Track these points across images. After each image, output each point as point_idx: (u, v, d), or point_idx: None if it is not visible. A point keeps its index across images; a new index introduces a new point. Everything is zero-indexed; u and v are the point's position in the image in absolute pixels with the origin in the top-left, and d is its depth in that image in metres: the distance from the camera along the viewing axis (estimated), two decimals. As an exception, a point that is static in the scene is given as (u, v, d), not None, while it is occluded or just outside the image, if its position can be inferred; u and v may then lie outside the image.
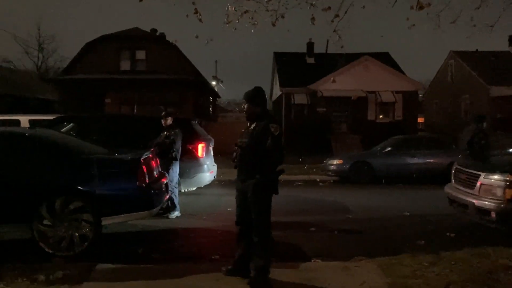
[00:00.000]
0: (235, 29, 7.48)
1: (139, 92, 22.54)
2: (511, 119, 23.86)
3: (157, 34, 25.69)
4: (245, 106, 4.49)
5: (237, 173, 4.51)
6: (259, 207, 4.27)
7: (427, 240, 6.03)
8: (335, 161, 13.41)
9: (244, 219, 4.42)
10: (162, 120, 7.84)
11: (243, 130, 4.50)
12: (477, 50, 28.90)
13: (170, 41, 24.05)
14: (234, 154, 4.46)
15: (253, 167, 4.27)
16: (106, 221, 5.51)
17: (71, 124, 9.25)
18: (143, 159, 5.87)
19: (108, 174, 5.67)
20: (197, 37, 7.56)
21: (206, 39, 7.87)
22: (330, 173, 13.43)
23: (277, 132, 4.24)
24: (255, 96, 4.48)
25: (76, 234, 5.36)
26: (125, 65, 23.90)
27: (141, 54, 24.13)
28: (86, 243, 5.36)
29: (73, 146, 6.30)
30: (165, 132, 7.71)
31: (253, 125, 4.38)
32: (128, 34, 24.13)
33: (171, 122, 7.84)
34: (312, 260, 5.14)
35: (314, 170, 15.05)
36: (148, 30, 25.49)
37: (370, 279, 4.41)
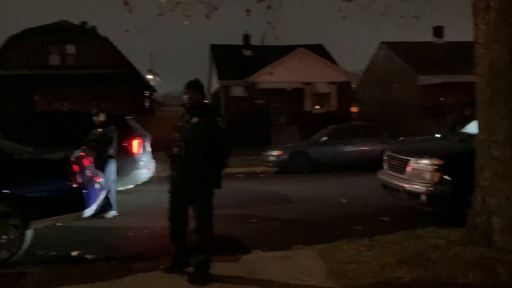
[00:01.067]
0: (168, 21, 7.29)
1: (70, 88, 21.56)
2: (437, 106, 25.26)
3: (87, 27, 24.63)
4: (187, 97, 4.27)
5: (177, 169, 4.35)
6: (203, 203, 4.22)
7: (363, 225, 6.25)
8: (275, 152, 13.57)
9: (181, 215, 4.36)
10: (94, 118, 7.52)
11: (180, 124, 4.31)
12: (405, 40, 30.26)
13: (101, 34, 23.30)
14: (175, 150, 4.27)
15: (200, 164, 4.15)
16: (36, 225, 5.20)
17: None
18: (74, 158, 5.59)
19: (36, 175, 5.37)
20: (127, 31, 7.27)
21: (138, 31, 7.60)
22: (270, 164, 13.58)
23: (225, 127, 4.19)
24: (200, 85, 4.34)
25: (3, 240, 5.03)
26: (54, 60, 22.74)
27: (71, 48, 23.06)
28: (14, 249, 5.04)
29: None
30: (99, 130, 7.41)
31: (195, 119, 4.20)
32: (56, 27, 22.93)
33: (104, 119, 7.54)
34: (253, 252, 5.16)
35: (255, 162, 15.14)
36: (78, 23, 24.38)
37: (309, 266, 4.49)
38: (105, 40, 22.61)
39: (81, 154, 6.07)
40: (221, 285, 4.10)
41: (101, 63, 22.14)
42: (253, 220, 6.86)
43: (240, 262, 4.74)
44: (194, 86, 4.31)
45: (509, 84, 4.27)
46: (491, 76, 4.39)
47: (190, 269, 4.30)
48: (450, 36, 30.69)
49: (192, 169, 4.20)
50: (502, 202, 4.29)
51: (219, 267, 4.46)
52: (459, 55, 27.83)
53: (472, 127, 7.13)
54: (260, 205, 8.20)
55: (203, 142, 4.13)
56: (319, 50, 28.07)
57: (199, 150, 4.14)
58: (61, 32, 22.71)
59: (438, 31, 30.73)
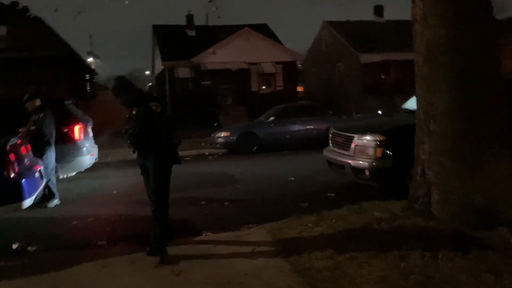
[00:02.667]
0: (108, 1, 6.99)
1: (3, 73, 20.28)
2: (379, 84, 26.03)
3: (19, 7, 23.10)
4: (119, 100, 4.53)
5: (137, 155, 4.57)
6: (156, 178, 4.42)
7: (310, 201, 6.37)
8: (223, 134, 13.51)
9: None
10: (27, 104, 7.10)
11: (127, 116, 4.50)
12: (347, 20, 30.80)
13: (35, 15, 21.97)
14: (128, 140, 4.46)
15: (150, 149, 4.41)
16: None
17: None
18: (9, 146, 5.29)
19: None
20: (56, 10, 6.86)
21: (75, 12, 7.22)
22: (218, 146, 13.52)
23: (160, 108, 4.36)
24: (121, 87, 4.49)
25: None
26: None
27: (1, 30, 21.62)
28: None
29: None
30: (34, 116, 7.02)
31: (134, 110, 4.42)
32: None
33: (39, 104, 7.14)
34: (204, 234, 5.13)
35: (203, 144, 15.01)
36: (8, 3, 22.83)
37: (260, 245, 4.54)
38: (40, 21, 21.35)
39: (18, 142, 5.76)
40: (172, 268, 4.06)
41: (36, 46, 20.93)
42: (202, 203, 6.81)
43: (191, 245, 4.71)
44: (118, 91, 4.51)
45: (446, 61, 4.44)
46: (428, 54, 4.53)
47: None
48: (390, 14, 31.50)
49: (144, 156, 4.49)
50: (441, 174, 4.50)
51: (169, 251, 4.41)
52: (399, 34, 28.70)
53: (412, 103, 7.41)
54: (209, 187, 8.15)
55: (145, 130, 4.36)
56: (264, 30, 28.01)
57: (144, 139, 4.38)
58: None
59: (378, 10, 31.47)
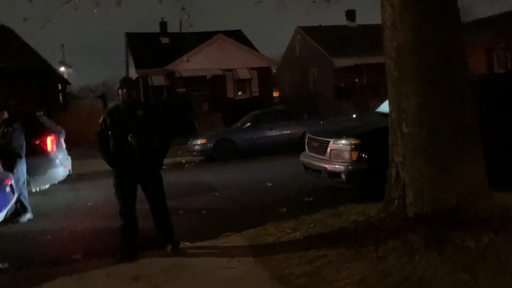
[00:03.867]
0: (76, 9, 6.87)
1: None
2: (352, 87, 26.39)
3: (-14, 17, 22.62)
4: (124, 92, 4.71)
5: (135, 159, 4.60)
6: (160, 177, 4.87)
7: (288, 207, 6.38)
8: (199, 141, 13.46)
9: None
10: None
11: (122, 118, 4.63)
12: (320, 25, 31.16)
13: (4, 24, 21.52)
14: (134, 144, 4.52)
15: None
16: None
17: None
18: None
19: None
20: (25, 20, 6.72)
21: (43, 21, 7.05)
22: (195, 153, 13.46)
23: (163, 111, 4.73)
24: (135, 82, 4.55)
25: None
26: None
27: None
28: None
29: None
30: (3, 129, 6.84)
31: (139, 111, 4.65)
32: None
33: (7, 116, 6.97)
34: (181, 244, 5.07)
35: (179, 152, 14.90)
36: (-26, 13, 22.30)
37: (238, 253, 4.51)
38: (8, 30, 20.92)
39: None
40: (149, 281, 3.99)
41: (5, 56, 20.45)
42: (179, 212, 6.73)
43: (168, 255, 4.64)
44: (133, 83, 4.92)
45: (414, 63, 4.51)
46: (398, 57, 4.61)
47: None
48: (362, 19, 32.06)
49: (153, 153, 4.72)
50: (414, 175, 4.56)
51: (147, 263, 4.35)
52: (370, 38, 29.18)
53: (386, 106, 7.52)
54: (186, 195, 8.08)
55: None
56: (238, 36, 28.09)
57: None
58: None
59: (350, 14, 31.97)
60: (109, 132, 4.65)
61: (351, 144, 6.14)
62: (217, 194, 8.05)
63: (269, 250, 4.46)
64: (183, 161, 13.31)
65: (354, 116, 9.75)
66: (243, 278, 3.91)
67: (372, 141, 6.09)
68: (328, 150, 6.50)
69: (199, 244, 5.00)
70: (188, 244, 5.06)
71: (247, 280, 3.86)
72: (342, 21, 31.98)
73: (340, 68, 27.14)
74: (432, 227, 4.15)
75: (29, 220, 6.84)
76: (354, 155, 6.11)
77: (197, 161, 13.33)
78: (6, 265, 4.87)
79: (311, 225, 5.04)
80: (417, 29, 4.46)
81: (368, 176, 6.03)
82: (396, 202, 4.79)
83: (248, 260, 4.30)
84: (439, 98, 4.48)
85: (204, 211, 6.74)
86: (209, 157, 13.12)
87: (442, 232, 4.05)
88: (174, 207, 6.95)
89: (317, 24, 31.15)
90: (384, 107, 6.89)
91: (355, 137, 6.20)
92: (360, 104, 20.82)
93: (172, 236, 4.84)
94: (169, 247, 4.73)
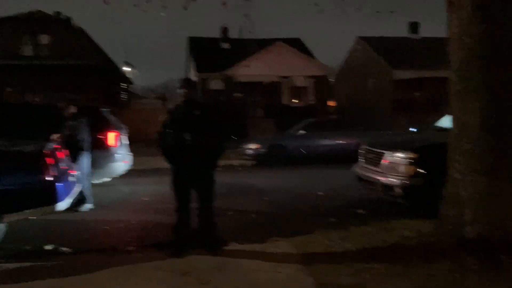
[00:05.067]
0: (145, 11, 7.19)
1: (43, 79, 21.06)
2: (411, 101, 25.67)
3: (62, 17, 24.07)
4: (184, 92, 4.90)
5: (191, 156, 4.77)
6: (213, 175, 5.05)
7: (338, 217, 6.31)
8: (252, 146, 13.60)
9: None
10: (64, 111, 7.37)
11: (181, 117, 4.81)
12: (381, 36, 30.59)
13: (76, 25, 22.85)
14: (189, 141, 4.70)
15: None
16: (8, 218, 5.10)
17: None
18: (47, 151, 5.48)
19: (8, 167, 5.25)
20: (102, 21, 7.11)
21: (114, 22, 7.45)
22: (247, 157, 13.60)
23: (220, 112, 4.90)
24: (195, 83, 5.12)
25: (-26, 235, 4.92)
26: (27, 50, 22.20)
27: (44, 39, 22.53)
28: (-15, 244, 4.94)
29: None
30: (69, 122, 7.27)
31: (198, 111, 4.82)
32: (30, 17, 22.33)
33: (75, 111, 7.40)
34: (229, 244, 5.16)
35: (232, 155, 15.11)
36: (52, 13, 23.78)
37: (285, 259, 4.53)
38: (80, 31, 22.20)
39: (56, 146, 5.97)
40: (197, 277, 4.11)
41: (75, 54, 21.72)
42: (229, 213, 6.85)
43: (216, 254, 4.74)
44: (193, 83, 5.16)
45: (480, 78, 4.38)
46: (463, 71, 4.48)
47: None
48: (425, 32, 31.12)
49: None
50: (474, 194, 4.41)
51: (196, 259, 4.47)
52: (433, 51, 28.19)
53: (445, 121, 7.29)
54: (236, 198, 8.20)
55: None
56: (297, 44, 28.15)
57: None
58: (34, 22, 22.16)
59: (413, 26, 31.15)
60: (169, 130, 4.86)
61: (408, 158, 5.99)
62: (267, 198, 8.11)
63: (316, 258, 4.45)
64: (235, 164, 13.48)
65: (411, 129, 9.51)
66: (288, 283, 3.94)
67: (430, 156, 5.93)
68: (384, 162, 6.39)
69: (247, 246, 5.07)
70: (236, 245, 5.15)
71: (292, 286, 3.87)
72: (404, 33, 31.22)
73: (399, 80, 26.48)
74: (489, 249, 4.00)
75: (90, 209, 7.22)
76: (410, 169, 5.96)
77: (249, 165, 13.46)
78: (66, 250, 5.18)
79: (361, 237, 4.99)
80: (485, 43, 4.33)
81: (423, 192, 5.86)
82: (451, 220, 4.64)
83: (294, 266, 4.32)
84: (506, 117, 4.31)
85: (254, 214, 6.81)
86: (261, 161, 13.21)
87: (499, 255, 3.88)
88: (224, 208, 7.11)
89: (378, 35, 30.61)
90: (444, 122, 6.70)
91: (413, 150, 6.05)
92: (418, 118, 20.20)
93: (212, 236, 4.94)
94: (207, 246, 4.83)
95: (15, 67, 20.66)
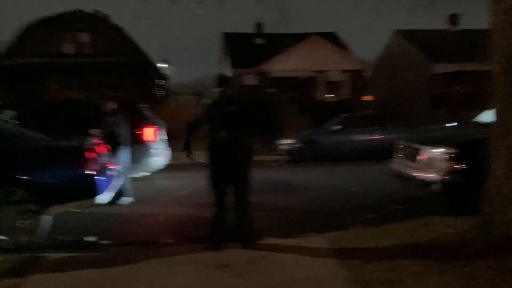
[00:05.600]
0: (180, 8, 7.29)
1: (84, 76, 21.71)
2: (449, 95, 24.94)
3: (101, 15, 24.71)
4: (220, 88, 5.05)
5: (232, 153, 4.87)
6: (249, 171, 5.09)
7: (375, 213, 6.25)
8: (286, 141, 13.59)
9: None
10: (104, 107, 7.59)
11: (216, 114, 4.89)
12: (419, 28, 29.83)
13: (114, 23, 23.42)
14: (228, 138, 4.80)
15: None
16: (52, 210, 5.34)
17: (11, 111, 8.79)
18: (89, 146, 5.69)
19: (52, 161, 5.49)
20: (136, 19, 7.26)
21: (152, 20, 7.60)
22: (281, 153, 13.61)
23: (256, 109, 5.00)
24: (230, 80, 5.19)
25: (21, 225, 5.15)
26: (68, 48, 22.89)
27: (84, 37, 23.18)
28: (31, 234, 5.17)
29: (13, 134, 6.02)
30: (109, 118, 7.49)
31: (233, 108, 4.87)
32: (71, 16, 23.05)
33: (115, 107, 7.61)
34: (264, 239, 5.19)
35: (265, 150, 15.16)
36: (91, 12, 24.44)
37: (321, 253, 4.53)
38: (118, 28, 22.72)
39: (96, 141, 6.17)
40: (233, 270, 4.17)
41: (114, 52, 22.25)
42: (264, 208, 6.89)
43: (252, 248, 4.79)
44: (225, 80, 5.19)
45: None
46: (507, 64, 4.34)
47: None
48: (466, 24, 30.11)
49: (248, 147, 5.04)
50: (516, 191, 4.27)
51: (232, 253, 4.53)
52: (474, 43, 27.26)
53: (487, 116, 7.07)
54: (270, 193, 8.23)
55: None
56: (331, 38, 27.83)
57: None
58: (75, 20, 22.83)
59: (453, 18, 30.20)
60: (201, 125, 5.06)
61: (447, 153, 5.85)
62: (302, 194, 8.12)
63: (352, 254, 4.43)
64: (269, 160, 13.52)
65: (450, 125, 9.27)
66: (324, 278, 3.93)
67: (471, 151, 5.77)
68: (421, 158, 6.26)
69: (282, 240, 5.09)
70: (272, 239, 5.18)
71: (328, 281, 3.87)
72: (443, 25, 30.32)
73: (438, 74, 25.78)
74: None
75: (129, 203, 7.42)
76: (449, 165, 5.81)
77: (283, 160, 13.46)
78: (106, 241, 5.37)
79: (398, 234, 4.92)
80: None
81: (462, 188, 5.71)
82: (493, 218, 4.52)
83: (330, 261, 4.31)
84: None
85: (288, 210, 6.84)
86: (295, 157, 13.18)
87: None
88: (259, 203, 7.14)
89: (417, 28, 29.86)
90: (485, 117, 6.50)
91: (452, 146, 5.91)
92: (458, 113, 19.62)
93: (247, 231, 4.98)
94: (242, 240, 4.88)
95: (57, 65, 21.37)
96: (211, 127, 4.93)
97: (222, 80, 5.17)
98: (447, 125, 9.92)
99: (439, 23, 30.27)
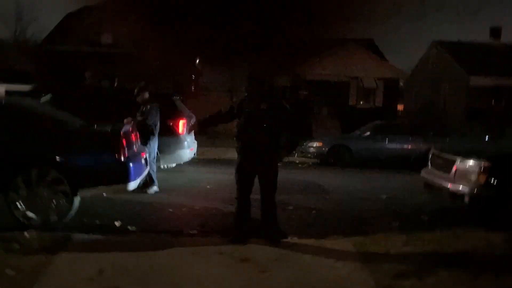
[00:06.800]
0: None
1: (120, 66, 22.13)
2: (487, 109, 24.31)
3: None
4: (251, 86, 5.10)
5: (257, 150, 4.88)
6: (276, 170, 5.09)
7: (401, 222, 6.14)
8: (315, 144, 13.50)
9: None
10: (137, 96, 7.72)
11: (248, 110, 4.91)
12: (459, 40, 29.19)
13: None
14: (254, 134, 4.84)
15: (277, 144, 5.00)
16: (83, 193, 5.46)
17: (49, 94, 9.06)
18: (122, 132, 5.80)
19: (86, 146, 5.63)
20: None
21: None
22: (309, 155, 13.54)
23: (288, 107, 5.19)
24: (257, 80, 5.08)
25: (53, 205, 5.31)
26: (107, 38, 23.37)
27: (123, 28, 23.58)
28: (62, 214, 5.31)
29: (51, 116, 6.20)
30: (142, 107, 7.62)
31: (264, 105, 4.89)
32: (109, 6, 23.55)
33: (147, 96, 7.73)
34: (289, 237, 5.19)
35: (294, 152, 15.09)
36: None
37: (344, 256, 4.50)
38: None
39: (129, 129, 6.29)
40: (257, 265, 4.18)
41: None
42: (290, 207, 6.87)
43: (277, 245, 4.79)
44: (256, 78, 5.11)
45: None
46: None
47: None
48: (508, 37, 29.28)
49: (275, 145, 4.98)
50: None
51: (256, 248, 4.56)
52: (515, 58, 26.47)
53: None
54: (297, 193, 8.20)
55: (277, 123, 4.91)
56: (369, 45, 27.49)
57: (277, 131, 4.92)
58: (114, 11, 23.29)
59: (495, 31, 29.40)
60: (231, 119, 5.15)
61: (481, 166, 5.71)
62: (328, 197, 8.05)
63: (376, 259, 4.38)
64: (297, 161, 13.46)
65: (486, 138, 9.04)
66: (347, 280, 3.91)
67: (505, 165, 5.62)
68: (454, 169, 6.13)
69: (307, 240, 5.08)
70: (295, 239, 5.17)
71: (351, 284, 3.85)
72: (485, 38, 29.56)
73: (476, 87, 25.16)
74: None
75: (155, 192, 7.53)
76: (482, 178, 5.67)
77: (311, 163, 13.38)
78: (134, 228, 5.47)
79: (425, 243, 4.84)
80: None
81: (495, 202, 5.57)
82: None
83: (354, 265, 4.27)
84: None
85: (314, 211, 6.80)
86: (323, 160, 13.10)
87: None
88: (285, 202, 7.16)
89: (456, 39, 29.23)
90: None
91: (486, 158, 5.76)
92: (495, 128, 19.09)
93: (274, 229, 5.00)
94: (269, 238, 4.90)
95: (95, 54, 21.86)
96: (241, 123, 4.96)
97: (254, 79, 5.16)
98: (483, 138, 9.67)
99: (485, 36, 29.57)
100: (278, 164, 5.09)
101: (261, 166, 4.94)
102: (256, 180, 5.02)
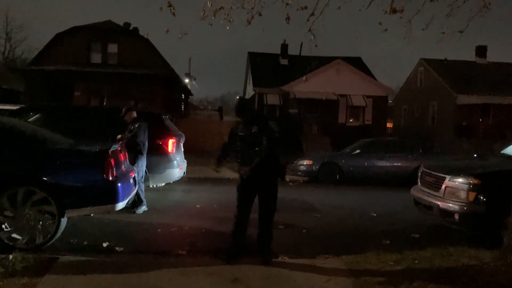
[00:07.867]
0: (211, 24, 7.39)
1: (109, 86, 22.10)
2: (475, 126, 24.61)
3: (130, 28, 25.28)
4: (240, 112, 5.11)
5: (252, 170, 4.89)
6: (275, 191, 5.11)
7: (392, 240, 6.13)
8: (305, 162, 13.50)
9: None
10: (125, 115, 7.69)
11: (241, 134, 5.00)
12: (445, 58, 29.69)
13: (143, 35, 23.91)
14: (252, 157, 4.86)
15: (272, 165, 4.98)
16: (70, 214, 5.36)
17: (37, 114, 8.98)
18: (111, 152, 5.74)
19: (74, 165, 5.53)
20: (167, 31, 7.39)
21: (180, 33, 7.71)
22: (300, 173, 13.52)
23: (277, 128, 5.08)
24: (243, 106, 5.12)
25: (39, 226, 5.20)
26: (96, 57, 23.38)
27: (113, 48, 23.65)
28: (48, 235, 5.21)
29: (39, 136, 6.12)
30: (130, 126, 7.58)
31: (254, 128, 4.93)
32: (101, 27, 23.64)
33: (135, 116, 7.70)
34: (280, 257, 5.14)
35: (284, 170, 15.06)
36: (121, 24, 25.04)
37: (335, 276, 4.46)
38: (147, 41, 23.13)
39: (118, 148, 6.23)
40: (247, 285, 4.12)
41: (141, 64, 22.64)
42: (280, 226, 6.82)
43: (266, 266, 4.74)
44: (242, 105, 5.17)
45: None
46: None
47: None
48: (493, 56, 29.89)
49: (268, 166, 4.98)
50: (541, 225, 4.15)
51: (247, 268, 4.49)
52: (501, 76, 27.01)
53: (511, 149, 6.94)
54: (287, 212, 8.12)
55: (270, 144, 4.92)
56: (357, 63, 27.87)
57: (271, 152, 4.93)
58: (104, 31, 23.37)
59: (481, 50, 29.98)
60: (231, 146, 5.16)
61: (470, 184, 5.73)
62: (319, 216, 8.02)
63: (367, 278, 4.34)
64: (288, 180, 13.40)
65: (475, 155, 9.10)
66: (338, 300, 3.86)
67: (494, 183, 5.65)
68: (443, 187, 6.15)
69: (297, 260, 5.04)
70: (286, 258, 5.12)
71: (342, 303, 3.79)
72: (470, 57, 30.14)
73: (463, 105, 25.52)
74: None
75: (144, 212, 7.44)
76: (472, 196, 5.69)
77: (301, 181, 13.37)
78: (121, 248, 5.37)
79: (416, 261, 4.81)
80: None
81: (484, 220, 5.57)
82: (515, 251, 4.39)
83: (346, 283, 4.24)
84: None
85: (304, 230, 6.76)
86: (314, 178, 13.11)
87: None
88: (276, 221, 7.02)
89: (442, 58, 29.74)
90: (510, 150, 6.36)
91: (475, 176, 5.78)
92: (482, 145, 19.28)
93: (268, 249, 5.01)
94: (262, 258, 4.89)
95: (84, 73, 21.82)
96: (238, 146, 5.03)
97: (242, 103, 5.21)
98: (471, 155, 9.73)
99: (470, 55, 30.15)
100: (277, 183, 5.14)
101: (261, 185, 4.99)
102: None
